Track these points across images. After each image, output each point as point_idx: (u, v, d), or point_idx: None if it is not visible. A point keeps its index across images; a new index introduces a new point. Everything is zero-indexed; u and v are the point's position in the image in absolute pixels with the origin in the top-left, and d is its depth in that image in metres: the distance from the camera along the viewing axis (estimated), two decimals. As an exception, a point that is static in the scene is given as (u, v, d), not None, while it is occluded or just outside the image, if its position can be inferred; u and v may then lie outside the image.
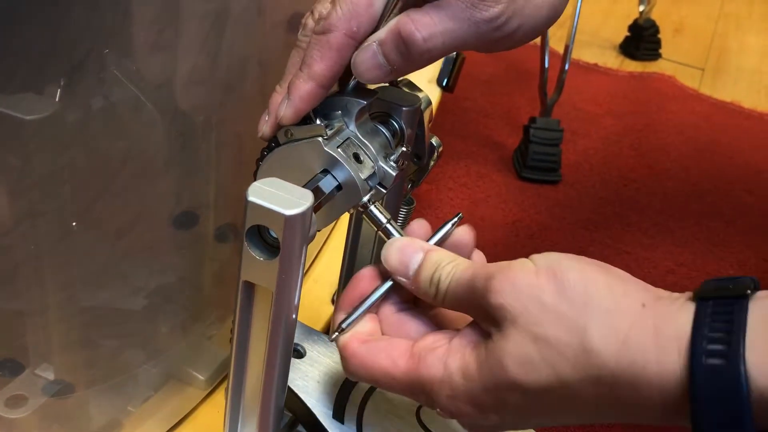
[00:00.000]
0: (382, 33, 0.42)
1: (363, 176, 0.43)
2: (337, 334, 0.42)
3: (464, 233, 0.44)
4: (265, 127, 0.44)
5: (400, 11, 0.42)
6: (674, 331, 0.34)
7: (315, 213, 0.42)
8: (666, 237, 0.98)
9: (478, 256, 0.45)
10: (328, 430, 0.47)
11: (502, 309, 0.36)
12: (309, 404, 0.48)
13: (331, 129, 0.43)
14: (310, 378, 0.49)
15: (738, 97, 1.39)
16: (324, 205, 0.43)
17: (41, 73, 0.43)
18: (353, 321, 0.42)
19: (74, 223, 0.48)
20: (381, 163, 0.44)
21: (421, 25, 0.41)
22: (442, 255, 0.41)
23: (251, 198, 0.37)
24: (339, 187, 0.43)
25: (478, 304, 0.38)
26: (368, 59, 0.42)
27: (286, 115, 0.43)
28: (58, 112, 0.43)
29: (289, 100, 0.42)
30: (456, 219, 0.44)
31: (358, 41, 0.42)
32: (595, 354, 0.34)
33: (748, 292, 0.33)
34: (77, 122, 0.45)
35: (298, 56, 0.44)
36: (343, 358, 0.41)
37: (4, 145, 0.43)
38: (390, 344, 0.41)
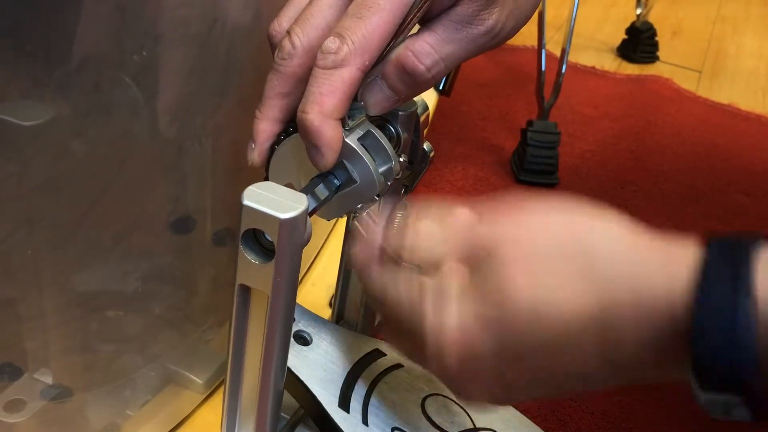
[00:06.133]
0: (383, 67, 0.42)
1: (380, 170, 0.43)
2: None
3: None
4: (255, 155, 0.44)
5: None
6: (682, 265, 0.34)
7: (327, 203, 0.43)
8: (663, 239, 0.98)
9: None
10: (334, 418, 0.47)
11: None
12: (315, 392, 0.48)
13: (353, 120, 0.43)
14: (316, 366, 0.49)
15: (735, 99, 1.39)
16: (334, 197, 0.43)
17: (39, 80, 0.43)
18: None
19: (72, 229, 0.49)
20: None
21: (422, 56, 0.41)
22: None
23: (246, 202, 0.37)
24: (352, 180, 0.43)
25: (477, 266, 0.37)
26: (375, 94, 0.43)
27: (325, 162, 0.41)
28: (55, 118, 0.44)
29: (318, 148, 0.41)
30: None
31: (366, 73, 0.41)
32: (608, 280, 0.34)
33: (753, 240, 0.33)
34: (74, 128, 0.46)
35: (277, 80, 0.42)
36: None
37: (2, 151, 0.43)
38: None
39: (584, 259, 0.35)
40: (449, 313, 0.37)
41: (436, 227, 0.40)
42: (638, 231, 0.37)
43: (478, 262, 0.37)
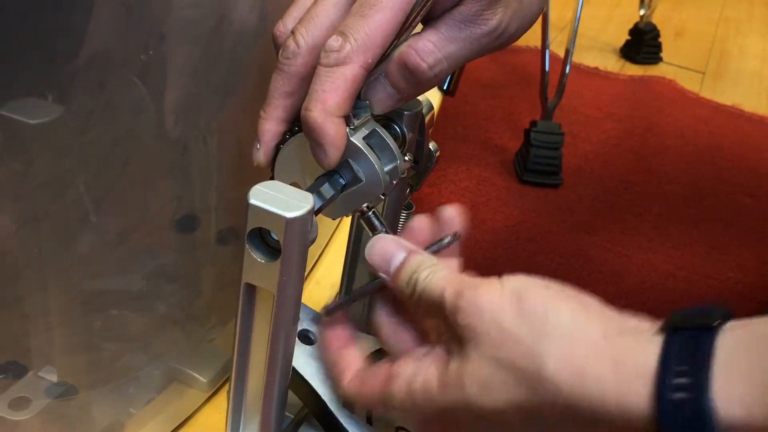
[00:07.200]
0: (386, 65, 0.42)
1: (385, 169, 0.43)
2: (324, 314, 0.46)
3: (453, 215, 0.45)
4: (260, 155, 0.44)
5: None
6: (637, 364, 0.33)
7: (333, 201, 0.43)
8: (665, 240, 0.98)
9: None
10: (338, 418, 0.47)
11: (466, 329, 0.37)
12: (319, 392, 0.48)
13: (358, 119, 0.42)
14: (320, 365, 0.49)
15: (738, 100, 1.39)
16: (339, 195, 0.43)
17: (45, 78, 0.43)
18: (340, 305, 0.45)
19: (77, 227, 0.49)
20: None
21: (425, 54, 0.41)
22: (423, 258, 0.42)
23: (252, 201, 0.37)
24: (357, 179, 0.43)
25: (446, 318, 0.39)
26: (378, 92, 0.43)
27: (328, 160, 0.41)
28: (61, 117, 0.44)
29: (321, 146, 0.40)
30: (450, 238, 0.44)
31: (369, 71, 0.41)
32: (550, 382, 0.35)
33: (716, 323, 0.33)
34: (80, 126, 0.46)
35: (281, 80, 0.42)
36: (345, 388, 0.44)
37: (8, 149, 0.43)
38: (373, 371, 0.43)
39: (536, 368, 0.35)
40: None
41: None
42: (596, 326, 0.36)
43: (452, 350, 0.39)
